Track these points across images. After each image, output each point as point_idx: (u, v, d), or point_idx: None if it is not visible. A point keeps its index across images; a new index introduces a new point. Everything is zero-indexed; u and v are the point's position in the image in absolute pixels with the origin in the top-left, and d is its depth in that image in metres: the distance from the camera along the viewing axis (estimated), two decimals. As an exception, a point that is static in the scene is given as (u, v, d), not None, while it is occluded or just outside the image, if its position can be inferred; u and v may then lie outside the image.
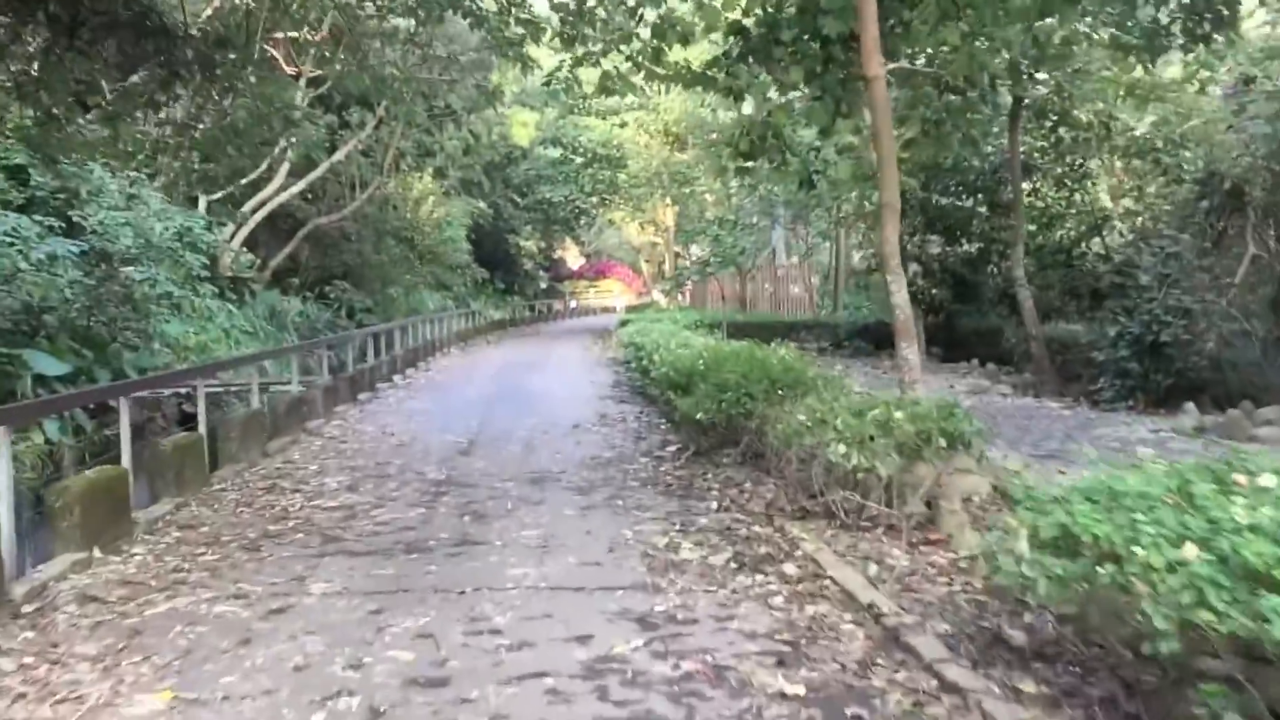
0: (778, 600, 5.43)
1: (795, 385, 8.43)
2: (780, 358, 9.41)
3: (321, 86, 28.41)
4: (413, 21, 30.50)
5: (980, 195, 20.47)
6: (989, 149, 18.28)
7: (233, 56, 11.78)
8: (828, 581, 5.65)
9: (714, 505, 7.82)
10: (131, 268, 15.73)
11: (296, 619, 5.29)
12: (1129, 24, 11.78)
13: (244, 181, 26.88)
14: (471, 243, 40.86)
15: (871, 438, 6.43)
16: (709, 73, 10.22)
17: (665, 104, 30.14)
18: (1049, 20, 9.90)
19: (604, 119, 31.54)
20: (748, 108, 10.96)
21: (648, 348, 14.76)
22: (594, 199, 38.36)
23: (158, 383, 10.84)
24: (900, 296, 8.28)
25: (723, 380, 8.96)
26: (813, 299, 29.19)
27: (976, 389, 16.20)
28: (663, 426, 12.38)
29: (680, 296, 37.90)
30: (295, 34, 26.25)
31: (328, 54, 27.88)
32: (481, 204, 41.99)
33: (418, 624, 5.16)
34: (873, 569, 5.76)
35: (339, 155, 28.79)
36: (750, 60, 9.89)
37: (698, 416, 9.12)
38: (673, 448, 10.60)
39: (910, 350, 8.28)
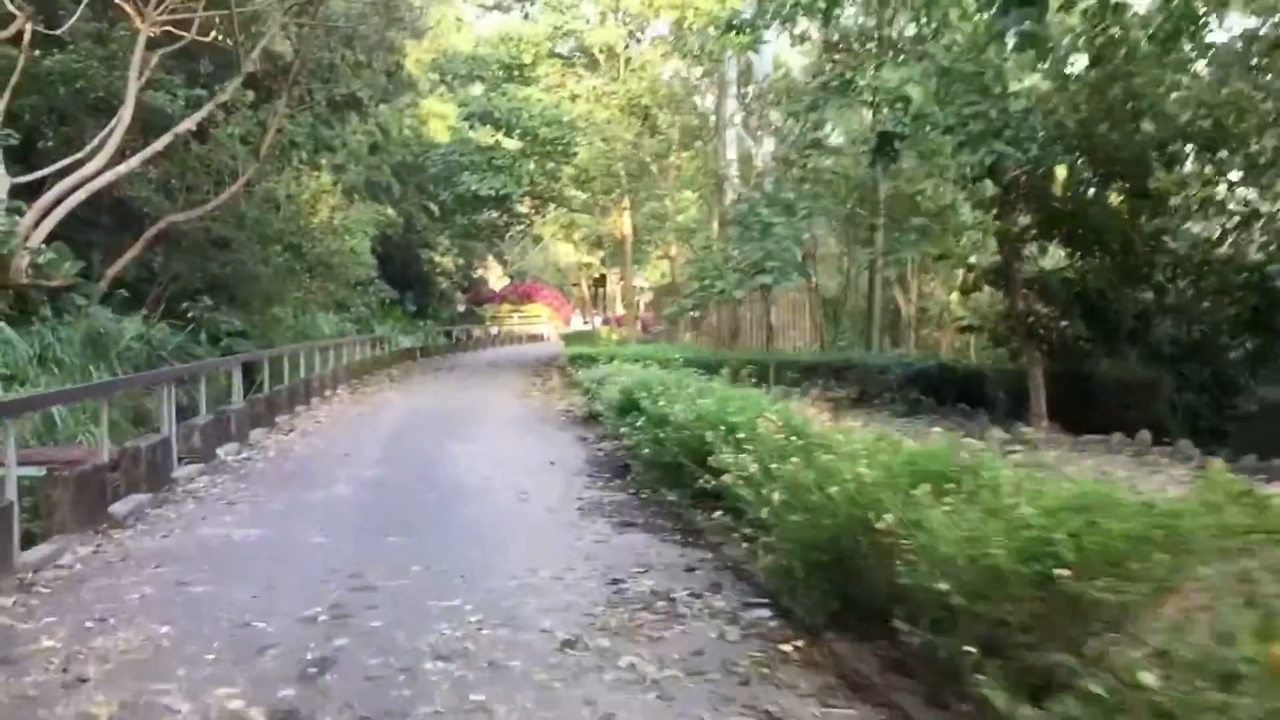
0: None
1: None
2: None
3: (178, 43, 21.29)
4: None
5: (1120, 181, 13.74)
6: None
7: None
8: None
9: None
10: None
11: None
12: None
13: (68, 161, 19.37)
14: (378, 257, 33.39)
15: None
16: None
17: (638, 61, 23.03)
18: None
19: (549, 92, 24.34)
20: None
21: (701, 433, 7.44)
22: (529, 201, 30.87)
23: None
24: None
25: None
26: (820, 333, 22.40)
27: None
28: (797, 640, 5.05)
29: (632, 325, 30.69)
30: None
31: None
32: (390, 211, 34.62)
33: None
34: None
35: (188, 124, 21.12)
36: None
37: None
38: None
39: None
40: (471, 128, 25.29)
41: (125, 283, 21.88)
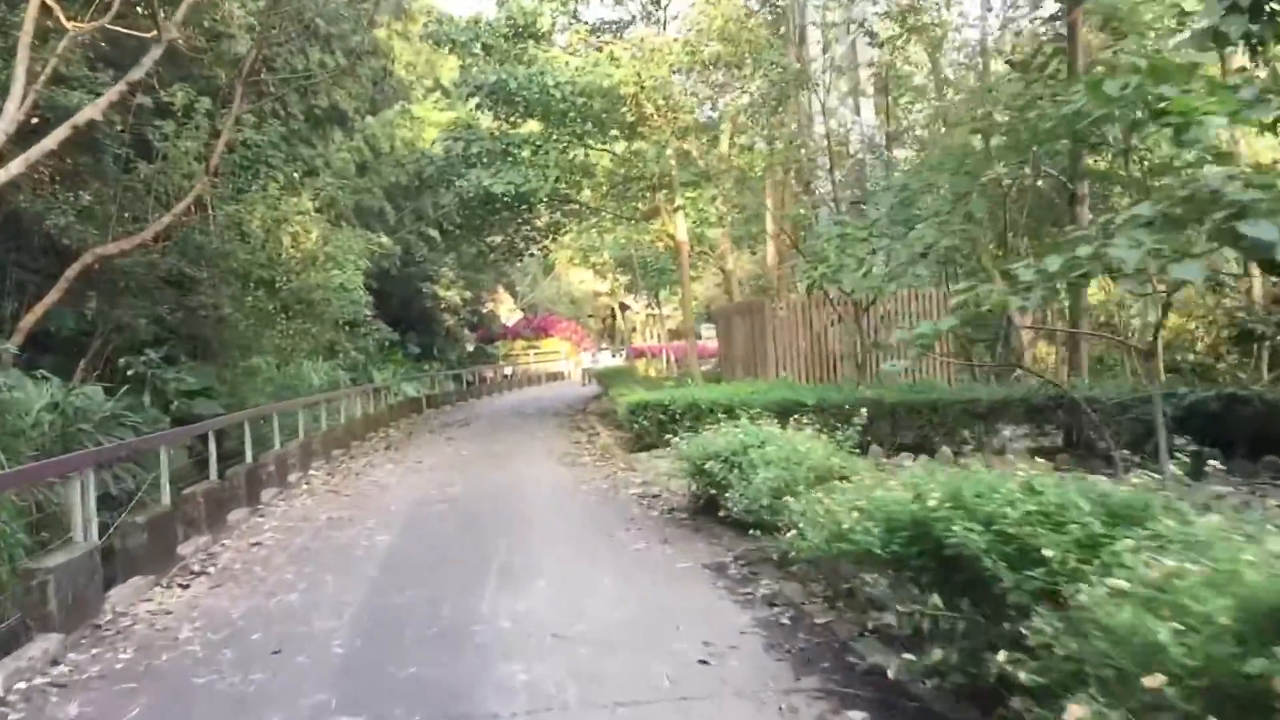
0: None
1: None
2: None
3: (94, 23, 15.96)
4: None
5: None
6: None
7: None
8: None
9: None
10: None
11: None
12: None
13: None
14: (374, 293, 27.82)
15: None
16: None
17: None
18: None
19: (577, 55, 18.43)
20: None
21: None
22: (546, 215, 25.01)
23: None
24: None
25: None
26: (975, 357, 16.38)
27: None
28: None
29: (692, 354, 24.73)
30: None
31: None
32: (384, 239, 29.00)
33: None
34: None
35: (89, 113, 15.39)
36: None
37: None
38: None
39: None
40: (478, 107, 19.47)
41: (59, 337, 16.47)
